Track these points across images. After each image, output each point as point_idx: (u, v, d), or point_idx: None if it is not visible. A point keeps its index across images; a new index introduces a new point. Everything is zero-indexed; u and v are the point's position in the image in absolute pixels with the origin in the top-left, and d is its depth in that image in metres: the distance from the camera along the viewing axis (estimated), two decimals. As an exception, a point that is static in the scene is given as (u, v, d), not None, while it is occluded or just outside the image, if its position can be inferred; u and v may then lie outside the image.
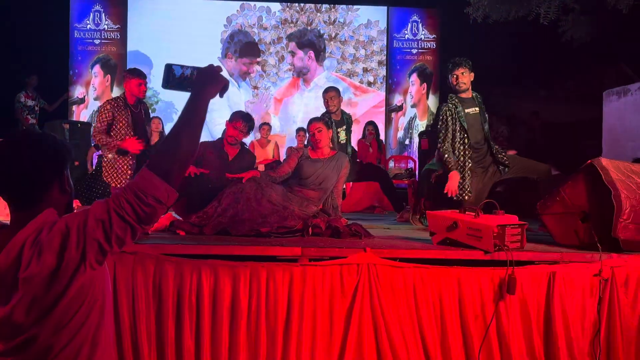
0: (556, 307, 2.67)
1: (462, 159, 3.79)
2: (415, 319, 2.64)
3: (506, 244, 2.67)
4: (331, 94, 4.71)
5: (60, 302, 1.36)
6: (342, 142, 4.77)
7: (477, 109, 3.90)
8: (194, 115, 1.45)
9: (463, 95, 3.89)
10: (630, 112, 6.64)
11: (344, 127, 4.83)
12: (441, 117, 3.88)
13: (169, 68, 1.55)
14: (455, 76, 3.86)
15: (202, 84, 1.48)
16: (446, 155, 3.80)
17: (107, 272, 1.51)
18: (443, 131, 3.84)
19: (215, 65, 1.55)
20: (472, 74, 3.91)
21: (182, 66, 1.55)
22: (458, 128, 3.81)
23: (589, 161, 2.90)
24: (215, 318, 2.61)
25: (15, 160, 1.41)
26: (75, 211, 1.45)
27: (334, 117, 4.71)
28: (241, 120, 4.08)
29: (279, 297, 2.63)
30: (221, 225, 3.25)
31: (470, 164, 3.78)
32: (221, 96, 1.55)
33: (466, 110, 3.85)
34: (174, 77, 1.55)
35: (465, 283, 2.65)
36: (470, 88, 3.91)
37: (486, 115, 3.95)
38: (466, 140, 3.79)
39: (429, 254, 2.74)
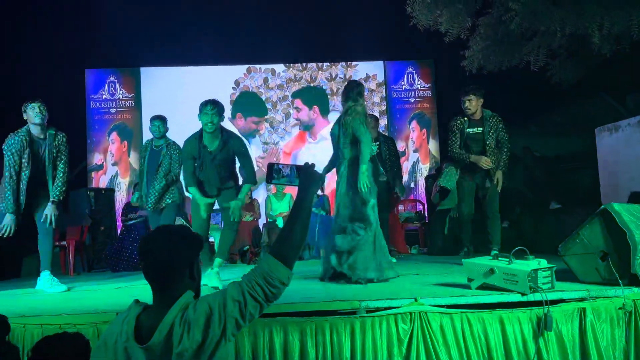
0: (589, 339, 3.00)
1: (455, 165, 5.01)
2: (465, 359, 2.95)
3: (539, 285, 3.03)
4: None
5: None
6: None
7: (480, 129, 4.92)
8: (303, 210, 1.78)
9: (471, 117, 4.95)
10: (622, 147, 7.09)
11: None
12: (451, 131, 5.03)
13: (271, 167, 1.92)
14: (464, 101, 4.94)
15: (306, 184, 1.82)
16: (456, 153, 4.93)
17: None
18: (452, 140, 4.99)
19: (310, 163, 1.90)
20: (481, 100, 4.96)
21: (282, 165, 1.93)
22: (460, 141, 4.92)
23: (603, 207, 3.29)
24: (287, 371, 2.90)
25: (155, 253, 1.74)
26: (213, 293, 1.77)
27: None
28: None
29: (342, 347, 2.93)
30: None
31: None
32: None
33: (468, 130, 4.94)
34: (277, 174, 1.92)
35: (507, 323, 2.98)
36: (478, 111, 4.95)
37: (499, 133, 4.98)
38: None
39: (473, 299, 3.09)
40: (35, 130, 4.44)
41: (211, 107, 4.33)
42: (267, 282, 1.67)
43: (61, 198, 4.51)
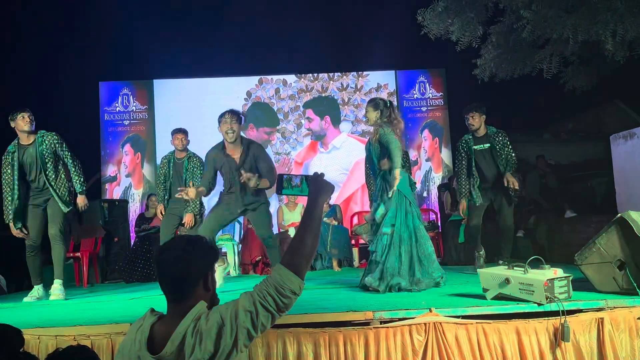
0: (607, 350, 2.94)
1: (466, 183, 5.16)
2: (481, 370, 2.91)
3: (556, 295, 2.98)
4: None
5: None
6: None
7: (487, 145, 5.10)
8: (313, 219, 1.77)
9: (475, 133, 5.16)
10: (638, 154, 7.01)
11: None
12: (457, 150, 5.31)
13: (281, 177, 1.92)
14: (467, 119, 5.14)
15: (316, 193, 1.82)
16: (460, 185, 5.19)
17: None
18: (459, 159, 5.26)
19: (319, 172, 1.91)
20: (484, 116, 5.15)
21: (292, 175, 1.93)
22: (467, 161, 5.16)
23: (620, 215, 3.24)
24: (302, 382, 2.88)
25: (169, 262, 1.74)
26: (225, 303, 1.76)
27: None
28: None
29: (356, 358, 2.91)
30: None
31: (474, 187, 5.10)
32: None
33: (474, 147, 5.12)
34: (287, 185, 1.92)
35: (523, 334, 2.93)
36: (482, 127, 5.14)
37: (505, 149, 5.11)
38: (472, 170, 5.13)
39: (489, 309, 3.05)
40: (24, 138, 4.59)
41: (229, 115, 4.51)
42: (278, 292, 1.66)
43: (84, 188, 4.74)
